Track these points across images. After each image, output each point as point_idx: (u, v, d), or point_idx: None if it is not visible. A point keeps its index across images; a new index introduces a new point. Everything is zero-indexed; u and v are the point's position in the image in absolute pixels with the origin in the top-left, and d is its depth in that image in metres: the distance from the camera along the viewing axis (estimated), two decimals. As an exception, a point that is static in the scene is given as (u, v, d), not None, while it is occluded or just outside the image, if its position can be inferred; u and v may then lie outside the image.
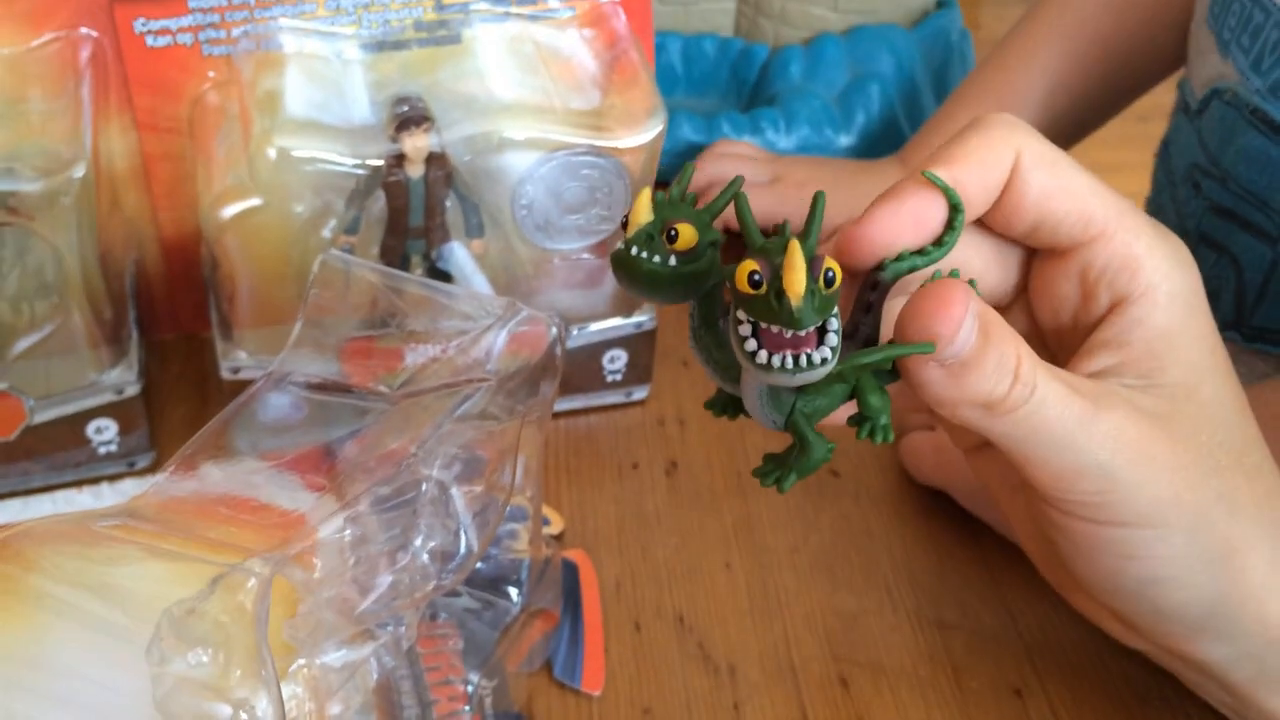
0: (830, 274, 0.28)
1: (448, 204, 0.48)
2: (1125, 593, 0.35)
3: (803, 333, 0.28)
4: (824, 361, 0.28)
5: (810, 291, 0.27)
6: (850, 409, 0.32)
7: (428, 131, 0.46)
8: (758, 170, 0.64)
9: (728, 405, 0.34)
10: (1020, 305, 0.37)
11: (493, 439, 0.37)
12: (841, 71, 0.71)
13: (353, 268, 0.39)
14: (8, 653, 0.28)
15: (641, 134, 0.48)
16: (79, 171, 0.45)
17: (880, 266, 0.32)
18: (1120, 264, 0.34)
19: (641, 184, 0.48)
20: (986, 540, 0.49)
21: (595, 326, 0.53)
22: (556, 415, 0.55)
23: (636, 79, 0.49)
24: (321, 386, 0.37)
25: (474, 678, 0.40)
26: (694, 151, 0.67)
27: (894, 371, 0.32)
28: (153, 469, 0.52)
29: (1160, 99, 0.72)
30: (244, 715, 0.26)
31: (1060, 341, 0.36)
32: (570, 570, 0.47)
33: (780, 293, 0.27)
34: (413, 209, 0.48)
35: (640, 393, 0.56)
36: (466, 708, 0.39)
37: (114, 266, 0.50)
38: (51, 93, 0.47)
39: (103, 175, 0.49)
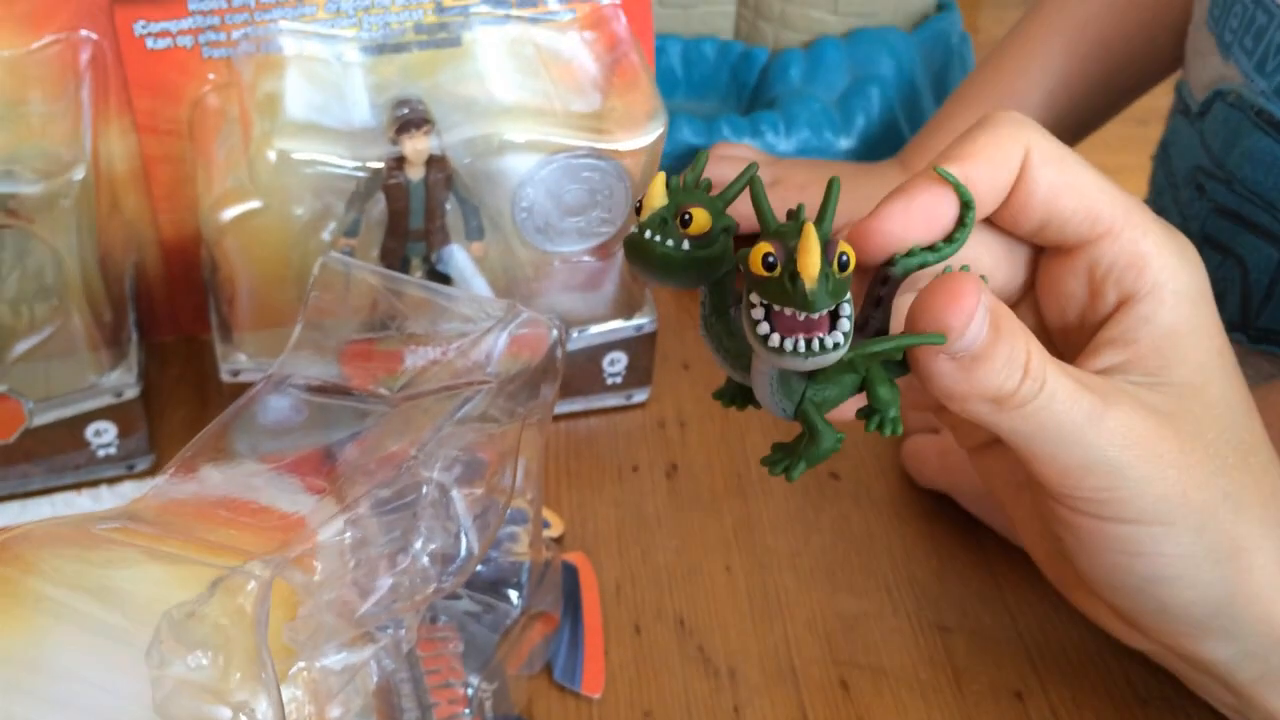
0: (844, 258, 0.28)
1: (448, 206, 0.48)
2: (1130, 591, 0.35)
3: (815, 316, 0.28)
4: (836, 346, 0.28)
5: (824, 274, 0.27)
6: (858, 403, 0.32)
7: (428, 134, 0.46)
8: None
9: (736, 395, 0.34)
10: (1028, 303, 0.37)
11: (493, 441, 0.37)
12: (841, 74, 0.71)
13: (353, 270, 0.39)
14: (7, 655, 0.28)
15: (642, 137, 0.48)
16: (79, 174, 0.45)
17: (891, 261, 0.32)
18: (1127, 261, 0.34)
19: (641, 187, 0.48)
20: (987, 542, 0.49)
21: (595, 329, 0.53)
22: (557, 418, 0.54)
23: (637, 82, 0.49)
24: (321, 389, 0.37)
25: (474, 680, 0.40)
26: (694, 154, 0.67)
27: (903, 364, 0.32)
28: (152, 472, 0.52)
29: (1158, 102, 0.72)
30: (244, 718, 0.26)
31: (1067, 339, 0.36)
32: (570, 573, 0.47)
33: (794, 275, 0.27)
34: (413, 211, 0.48)
35: (640, 395, 0.56)
36: (466, 711, 0.39)
37: (114, 269, 0.50)
38: (51, 95, 0.47)
39: (102, 178, 0.49)
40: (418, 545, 0.33)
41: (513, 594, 0.42)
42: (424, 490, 0.34)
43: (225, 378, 0.50)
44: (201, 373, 0.56)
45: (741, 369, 0.32)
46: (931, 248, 0.33)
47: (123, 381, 0.50)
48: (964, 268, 0.33)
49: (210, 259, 0.49)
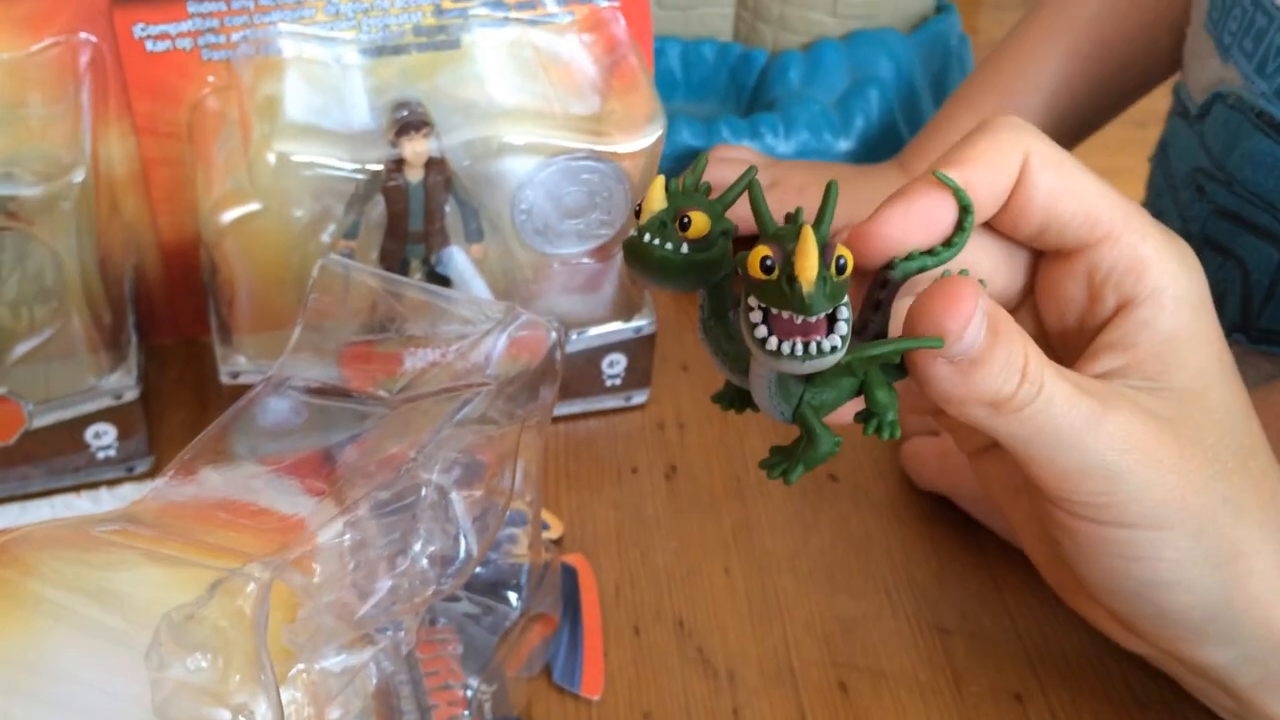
0: (842, 261, 0.28)
1: (447, 209, 0.48)
2: (1128, 595, 0.35)
3: (813, 319, 0.28)
4: (833, 349, 0.28)
5: (822, 278, 0.27)
6: (856, 406, 0.32)
7: (427, 136, 0.46)
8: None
9: (735, 399, 0.34)
10: (1027, 308, 0.37)
11: (492, 443, 0.37)
12: (840, 76, 0.71)
13: (352, 272, 0.39)
14: (6, 657, 0.28)
15: (641, 139, 0.48)
16: (78, 176, 0.45)
17: (890, 265, 0.32)
18: (1127, 266, 0.34)
19: (641, 189, 0.48)
20: (986, 544, 0.49)
21: (595, 331, 0.53)
22: (556, 420, 0.54)
23: (636, 84, 0.49)
24: (321, 391, 0.37)
25: (473, 682, 0.40)
26: (693, 156, 0.67)
27: (901, 368, 0.32)
28: (152, 474, 0.52)
29: (1157, 104, 0.72)
30: (243, 720, 0.26)
31: (1066, 344, 0.36)
32: (569, 575, 0.47)
33: (792, 278, 0.27)
34: (412, 214, 0.48)
35: (640, 397, 0.56)
36: (466, 713, 0.39)
37: (113, 271, 0.50)
38: (51, 97, 0.47)
39: (102, 180, 0.49)
40: (417, 547, 0.33)
41: (512, 596, 0.42)
42: (423, 492, 0.34)
43: (225, 380, 0.50)
44: (201, 375, 0.56)
45: (740, 372, 0.32)
46: (930, 252, 0.33)
47: (122, 384, 0.50)
48: (963, 272, 0.33)
49: (210, 261, 0.49)
